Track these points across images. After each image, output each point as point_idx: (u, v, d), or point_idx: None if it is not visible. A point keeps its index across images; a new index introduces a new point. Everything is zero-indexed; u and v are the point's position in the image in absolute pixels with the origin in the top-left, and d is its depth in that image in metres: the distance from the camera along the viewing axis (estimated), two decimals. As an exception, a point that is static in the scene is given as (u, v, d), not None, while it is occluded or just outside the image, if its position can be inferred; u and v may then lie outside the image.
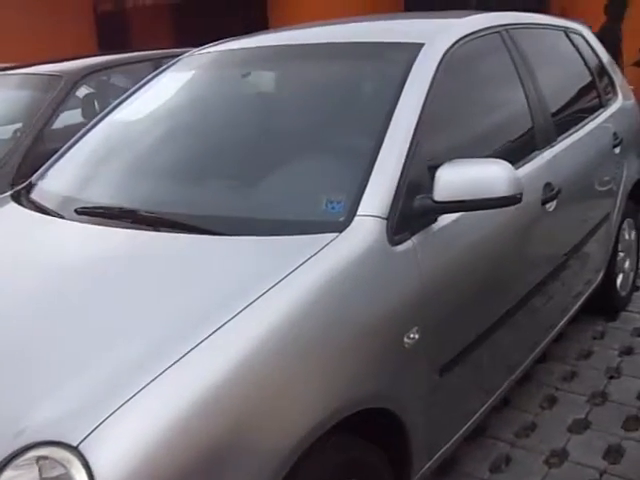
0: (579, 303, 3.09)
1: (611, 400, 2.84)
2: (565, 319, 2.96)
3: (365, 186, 1.84)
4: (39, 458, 1.28)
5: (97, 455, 1.26)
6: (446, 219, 1.98)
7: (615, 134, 3.29)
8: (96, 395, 1.35)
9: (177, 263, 1.78)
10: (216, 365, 1.43)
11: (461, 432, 2.19)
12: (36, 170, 2.63)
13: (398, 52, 2.25)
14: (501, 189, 1.87)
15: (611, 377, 3.02)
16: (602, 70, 3.53)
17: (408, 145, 1.94)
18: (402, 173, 1.88)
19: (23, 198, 2.39)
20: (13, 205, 2.35)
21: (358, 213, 1.80)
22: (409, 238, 1.86)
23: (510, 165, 1.91)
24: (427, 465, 2.01)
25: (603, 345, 3.32)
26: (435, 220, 1.95)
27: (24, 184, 2.53)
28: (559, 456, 2.51)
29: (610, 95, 3.49)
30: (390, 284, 1.79)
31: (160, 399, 1.35)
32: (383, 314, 1.75)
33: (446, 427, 2.12)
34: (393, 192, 1.84)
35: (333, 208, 1.84)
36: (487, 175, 1.87)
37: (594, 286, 3.22)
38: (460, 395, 2.16)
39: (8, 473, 1.27)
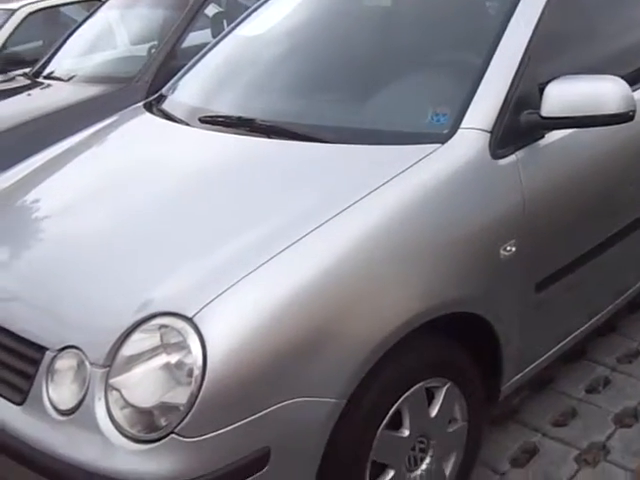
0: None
1: None
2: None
3: (471, 100, 1.88)
4: (161, 326, 1.48)
5: (209, 326, 1.44)
6: (555, 136, 1.98)
7: None
8: (211, 274, 1.53)
9: (286, 167, 1.92)
10: (319, 258, 1.57)
11: (555, 349, 2.23)
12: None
13: None
14: (612, 106, 1.84)
15: None
16: None
17: (519, 60, 1.93)
18: (510, 88, 1.90)
19: (154, 108, 2.60)
20: (146, 114, 2.56)
21: (462, 126, 1.85)
22: (513, 152, 1.88)
23: (623, 82, 1.86)
24: (517, 377, 2.08)
25: None
26: (542, 136, 1.95)
27: (155, 95, 2.75)
28: (660, 385, 2.50)
29: None
30: (490, 196, 1.84)
31: (268, 282, 1.51)
32: (480, 224, 1.81)
33: (540, 343, 2.17)
34: (499, 106, 1.87)
35: (438, 120, 1.90)
36: (598, 91, 1.85)
37: None
38: (557, 313, 2.18)
39: (136, 336, 1.49)
